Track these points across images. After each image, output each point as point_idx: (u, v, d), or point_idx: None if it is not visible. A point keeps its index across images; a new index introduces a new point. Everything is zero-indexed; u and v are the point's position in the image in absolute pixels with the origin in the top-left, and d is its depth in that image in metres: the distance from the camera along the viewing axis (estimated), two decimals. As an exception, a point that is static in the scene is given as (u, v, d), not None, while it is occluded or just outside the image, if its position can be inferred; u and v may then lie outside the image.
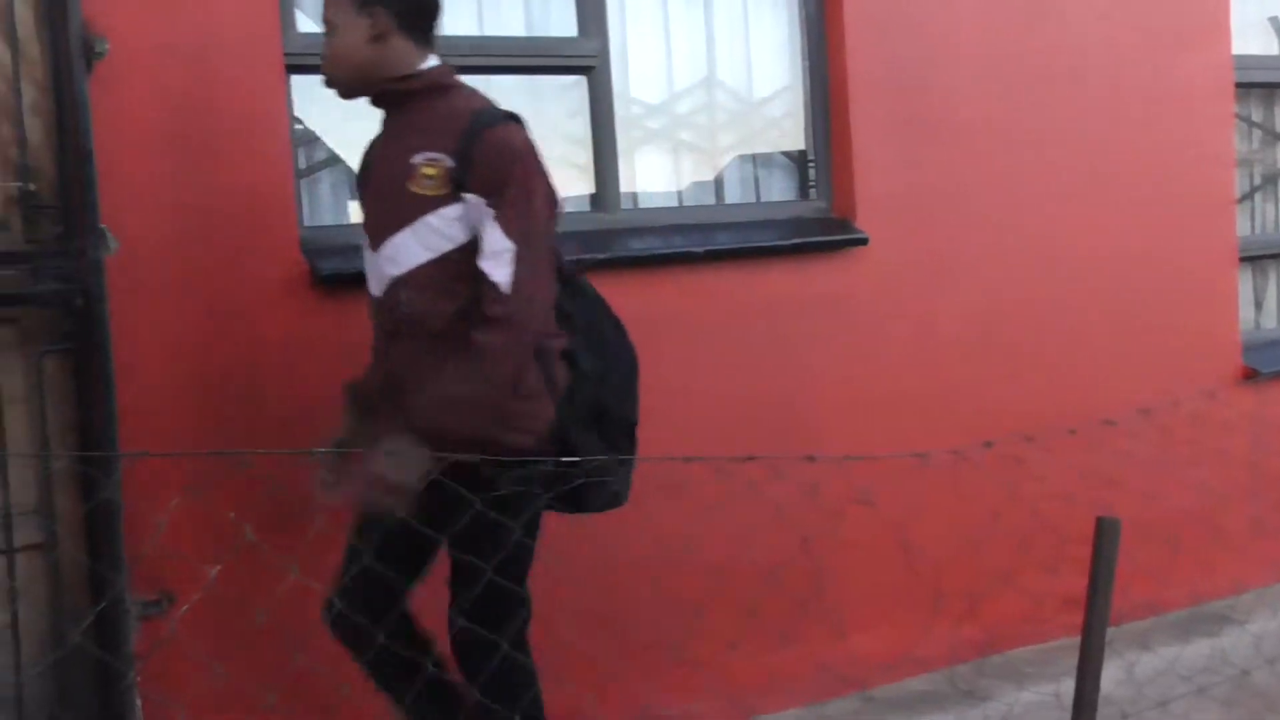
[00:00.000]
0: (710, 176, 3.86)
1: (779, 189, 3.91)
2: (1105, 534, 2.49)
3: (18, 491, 2.55)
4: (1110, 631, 2.53)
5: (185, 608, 2.65)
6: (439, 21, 2.50)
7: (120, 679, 2.57)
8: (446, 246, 2.37)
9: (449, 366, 2.31)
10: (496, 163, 2.33)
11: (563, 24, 3.47)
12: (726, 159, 3.87)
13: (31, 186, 2.57)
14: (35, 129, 2.60)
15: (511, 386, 2.32)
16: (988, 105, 3.90)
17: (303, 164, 3.18)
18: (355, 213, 3.41)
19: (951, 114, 3.85)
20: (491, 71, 3.38)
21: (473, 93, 2.51)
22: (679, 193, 3.79)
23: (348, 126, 3.35)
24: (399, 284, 2.42)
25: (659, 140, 3.74)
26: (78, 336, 2.54)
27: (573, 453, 2.40)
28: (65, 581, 2.62)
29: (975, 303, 3.87)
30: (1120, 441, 3.52)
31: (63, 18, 2.56)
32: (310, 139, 3.26)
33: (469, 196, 2.34)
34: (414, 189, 2.37)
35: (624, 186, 3.54)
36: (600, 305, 2.62)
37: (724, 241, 3.50)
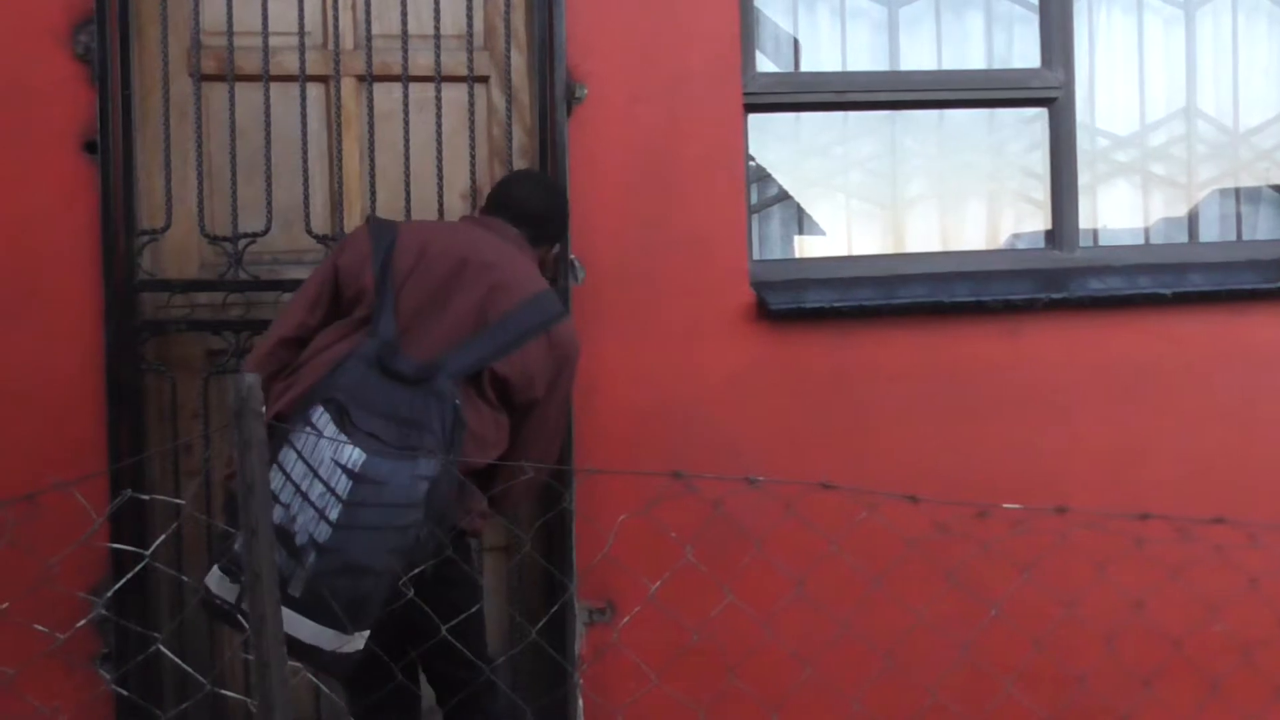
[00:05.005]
0: (1183, 213, 3.57)
1: (1266, 227, 3.55)
2: None
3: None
4: None
5: (626, 619, 2.79)
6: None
7: (566, 677, 2.75)
8: None
9: None
10: None
11: (1025, 55, 3.35)
12: (1203, 194, 3.56)
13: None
14: (521, 169, 2.87)
15: None
16: None
17: (754, 199, 3.27)
18: (802, 249, 3.47)
19: None
20: (948, 106, 3.33)
21: None
22: (1145, 230, 3.53)
23: (801, 164, 3.42)
24: None
25: (1126, 174, 3.50)
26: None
27: None
28: (522, 582, 2.87)
29: None
30: None
31: (550, 67, 2.82)
32: (763, 175, 3.35)
33: None
34: None
35: (1084, 223, 3.35)
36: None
37: (1197, 283, 3.23)
